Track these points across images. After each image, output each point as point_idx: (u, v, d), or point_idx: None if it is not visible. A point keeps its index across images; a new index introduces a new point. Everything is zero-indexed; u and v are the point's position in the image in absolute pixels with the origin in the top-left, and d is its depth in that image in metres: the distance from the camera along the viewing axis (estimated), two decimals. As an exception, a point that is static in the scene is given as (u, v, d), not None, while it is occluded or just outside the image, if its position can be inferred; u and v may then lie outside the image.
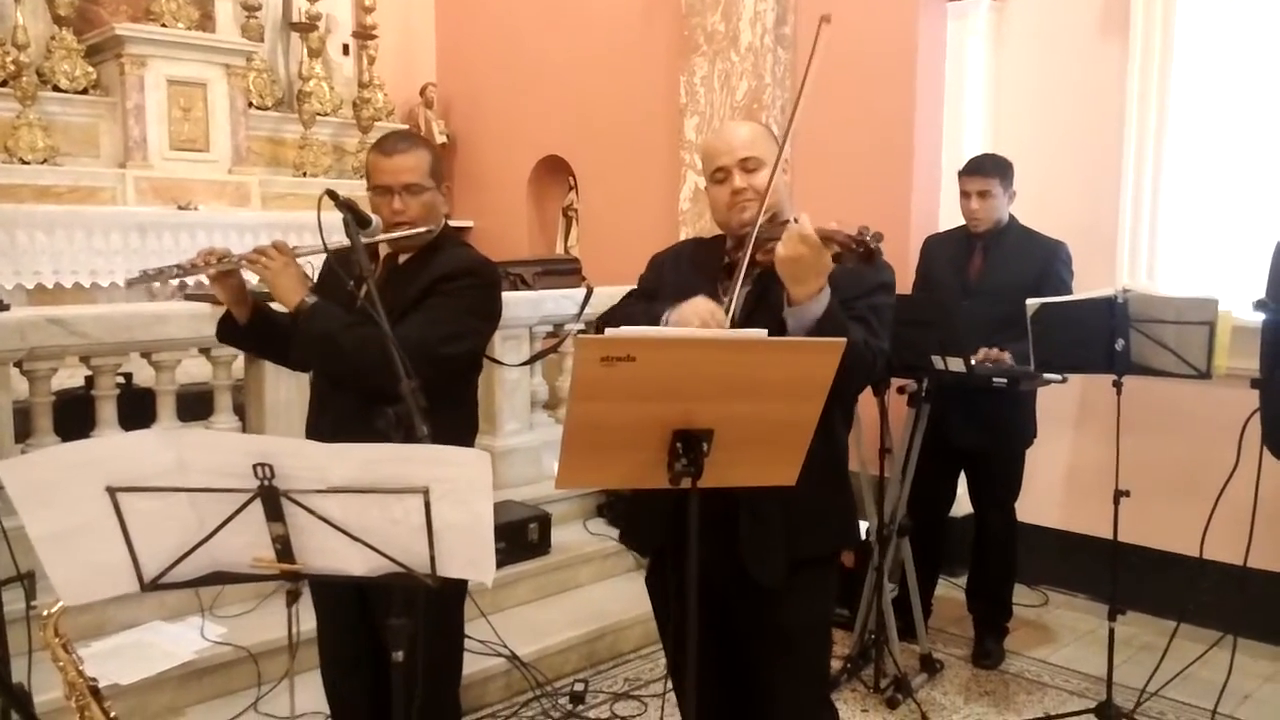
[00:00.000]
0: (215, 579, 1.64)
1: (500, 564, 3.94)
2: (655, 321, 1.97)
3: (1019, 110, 4.66)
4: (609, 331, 1.53)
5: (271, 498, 1.50)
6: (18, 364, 3.33)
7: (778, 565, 2.02)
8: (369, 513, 1.54)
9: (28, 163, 5.18)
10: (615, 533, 4.39)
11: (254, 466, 1.48)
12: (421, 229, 2.36)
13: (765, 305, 2.00)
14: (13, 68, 5.16)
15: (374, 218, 2.24)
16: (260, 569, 1.62)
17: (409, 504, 1.52)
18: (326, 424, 2.37)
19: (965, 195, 3.71)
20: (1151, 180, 4.24)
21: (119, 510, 1.51)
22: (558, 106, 6.18)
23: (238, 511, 1.51)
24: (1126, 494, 3.05)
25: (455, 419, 2.37)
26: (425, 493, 1.51)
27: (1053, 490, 4.59)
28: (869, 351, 1.94)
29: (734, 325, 1.95)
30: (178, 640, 3.31)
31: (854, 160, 4.73)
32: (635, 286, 2.31)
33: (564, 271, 4.90)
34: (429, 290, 2.32)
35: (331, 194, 2.11)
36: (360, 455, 1.49)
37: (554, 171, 6.49)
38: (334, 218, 2.20)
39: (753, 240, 1.99)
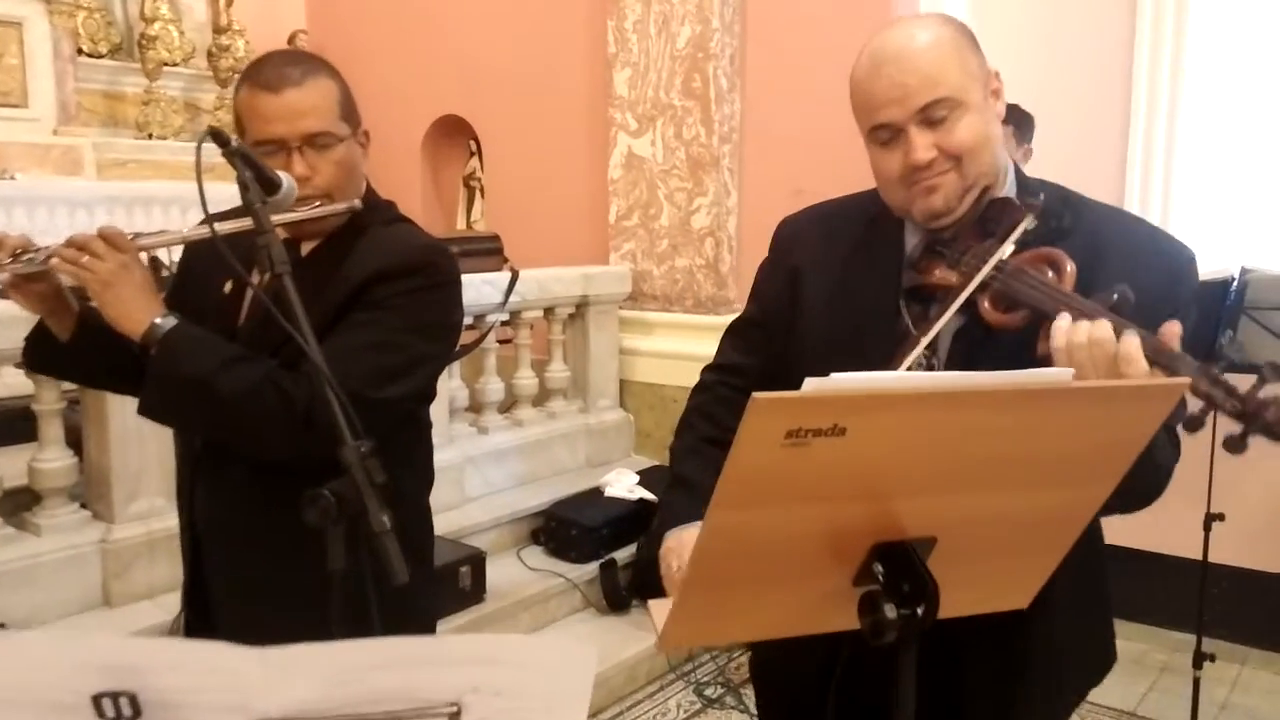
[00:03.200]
0: None
1: (426, 620, 3.17)
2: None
3: (1006, 61, 4.07)
4: (811, 384, 0.79)
5: (135, 752, 0.73)
6: None
7: None
8: (339, 751, 0.78)
9: None
10: (556, 565, 3.67)
11: (96, 699, 0.70)
12: (341, 206, 1.56)
13: (987, 356, 1.22)
14: None
15: (284, 178, 1.42)
16: None
17: (420, 733, 0.77)
18: (207, 507, 1.57)
19: None
20: (1165, 140, 3.74)
21: None
22: (456, 57, 5.30)
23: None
24: (1220, 517, 2.51)
25: (403, 482, 1.60)
26: (455, 714, 0.76)
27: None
28: (1168, 466, 1.24)
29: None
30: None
31: (813, 119, 4.07)
32: (748, 300, 1.56)
33: (483, 252, 4.11)
34: (355, 298, 1.52)
35: (218, 135, 1.29)
36: (325, 662, 0.72)
37: (452, 134, 5.61)
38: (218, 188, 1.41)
39: (972, 285, 1.23)
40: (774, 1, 4.20)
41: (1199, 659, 2.60)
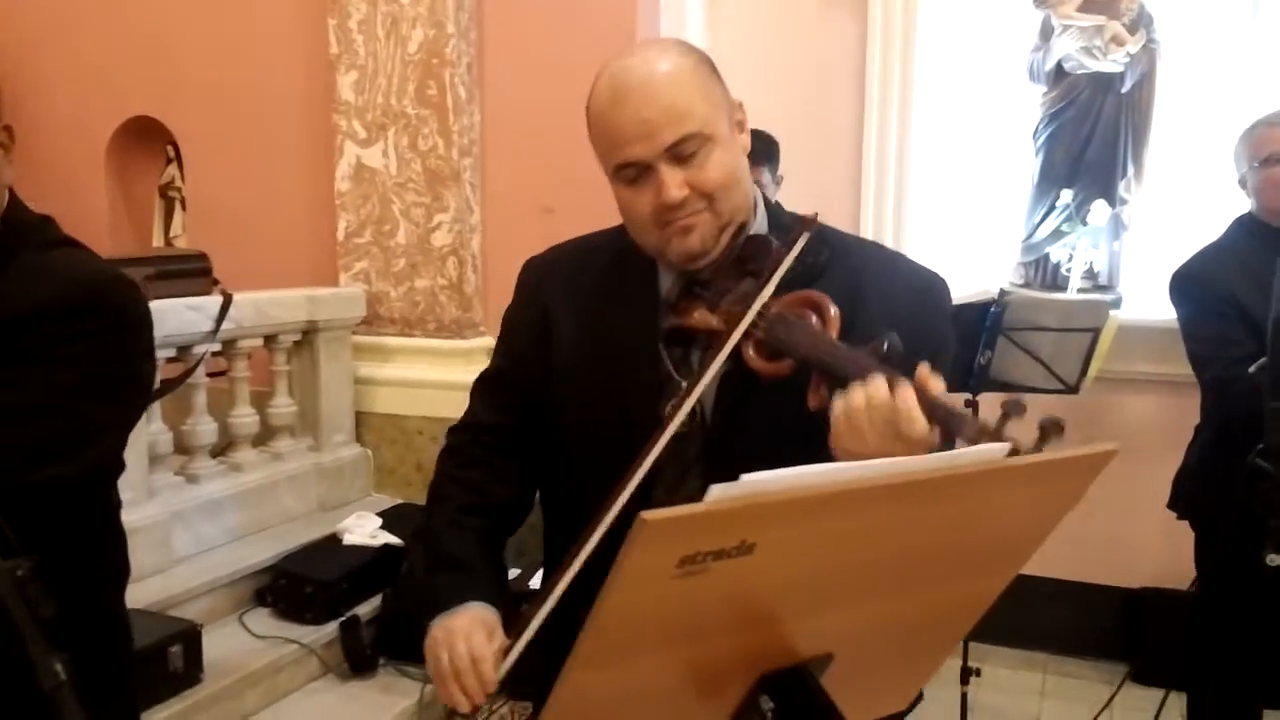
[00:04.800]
0: None
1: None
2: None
3: (739, 88, 4.10)
4: (719, 491, 0.56)
5: None
6: None
7: None
8: None
9: None
10: (288, 629, 3.22)
11: None
12: None
13: (752, 402, 1.20)
14: None
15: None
16: None
17: None
18: None
19: None
20: (896, 166, 3.86)
21: None
22: (148, 51, 4.64)
23: None
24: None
25: (86, 587, 1.20)
26: None
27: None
28: None
29: (713, 434, 1.20)
30: None
31: (559, 133, 3.87)
32: (495, 351, 1.44)
33: (188, 273, 3.58)
34: None
35: None
36: None
37: (146, 139, 4.92)
38: None
39: (737, 333, 1.14)
40: (511, 9, 3.98)
41: (965, 674, 2.63)
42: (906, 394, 0.96)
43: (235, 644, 3.12)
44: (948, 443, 0.96)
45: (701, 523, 0.55)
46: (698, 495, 1.16)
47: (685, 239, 1.20)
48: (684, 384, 1.22)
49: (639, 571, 0.55)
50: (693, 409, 1.19)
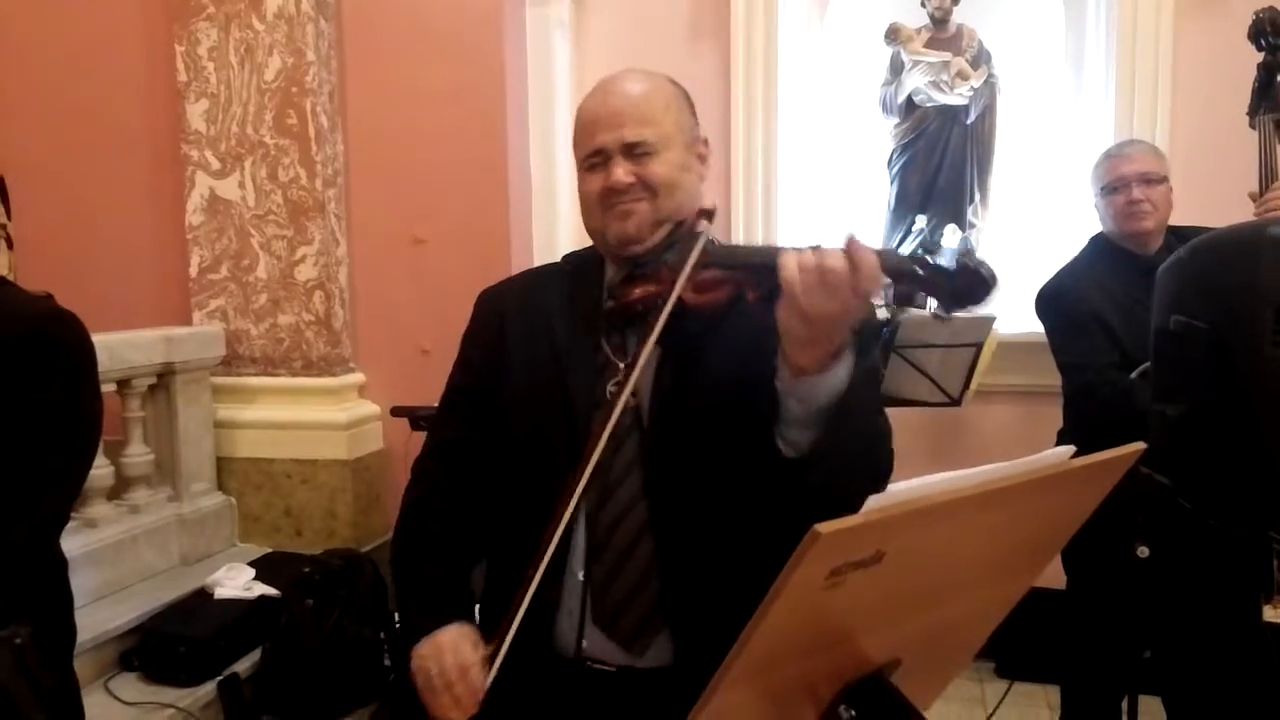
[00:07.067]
0: None
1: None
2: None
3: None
4: (872, 502, 0.57)
5: None
6: None
7: None
8: None
9: None
10: (161, 692, 3.00)
11: None
12: None
13: (689, 383, 1.32)
14: None
15: None
16: None
17: None
18: None
19: None
20: (762, 192, 3.99)
21: None
22: (-34, 78, 4.30)
23: None
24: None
25: (43, 650, 1.10)
26: None
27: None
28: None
29: (649, 422, 1.31)
30: None
31: (424, 164, 3.82)
32: (451, 377, 1.53)
33: (32, 316, 3.30)
34: None
35: None
36: None
37: (-37, 172, 4.54)
38: None
39: (684, 277, 1.25)
40: (373, 37, 3.89)
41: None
42: (864, 247, 1.09)
43: (105, 713, 2.89)
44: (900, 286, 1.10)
45: (863, 533, 0.56)
46: (639, 490, 1.24)
47: (624, 222, 1.34)
48: (622, 366, 1.33)
49: (801, 584, 0.55)
50: (628, 405, 1.28)
